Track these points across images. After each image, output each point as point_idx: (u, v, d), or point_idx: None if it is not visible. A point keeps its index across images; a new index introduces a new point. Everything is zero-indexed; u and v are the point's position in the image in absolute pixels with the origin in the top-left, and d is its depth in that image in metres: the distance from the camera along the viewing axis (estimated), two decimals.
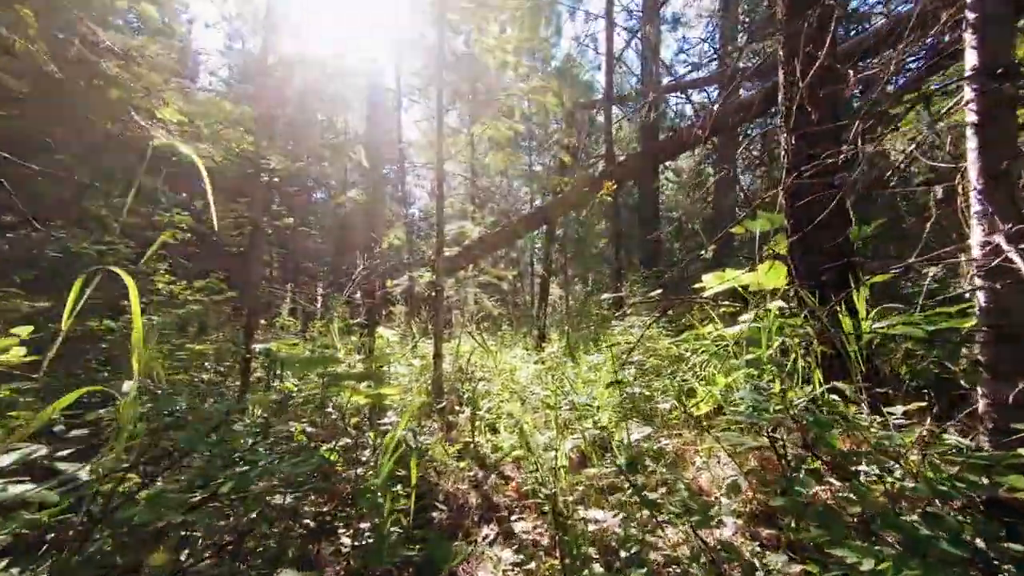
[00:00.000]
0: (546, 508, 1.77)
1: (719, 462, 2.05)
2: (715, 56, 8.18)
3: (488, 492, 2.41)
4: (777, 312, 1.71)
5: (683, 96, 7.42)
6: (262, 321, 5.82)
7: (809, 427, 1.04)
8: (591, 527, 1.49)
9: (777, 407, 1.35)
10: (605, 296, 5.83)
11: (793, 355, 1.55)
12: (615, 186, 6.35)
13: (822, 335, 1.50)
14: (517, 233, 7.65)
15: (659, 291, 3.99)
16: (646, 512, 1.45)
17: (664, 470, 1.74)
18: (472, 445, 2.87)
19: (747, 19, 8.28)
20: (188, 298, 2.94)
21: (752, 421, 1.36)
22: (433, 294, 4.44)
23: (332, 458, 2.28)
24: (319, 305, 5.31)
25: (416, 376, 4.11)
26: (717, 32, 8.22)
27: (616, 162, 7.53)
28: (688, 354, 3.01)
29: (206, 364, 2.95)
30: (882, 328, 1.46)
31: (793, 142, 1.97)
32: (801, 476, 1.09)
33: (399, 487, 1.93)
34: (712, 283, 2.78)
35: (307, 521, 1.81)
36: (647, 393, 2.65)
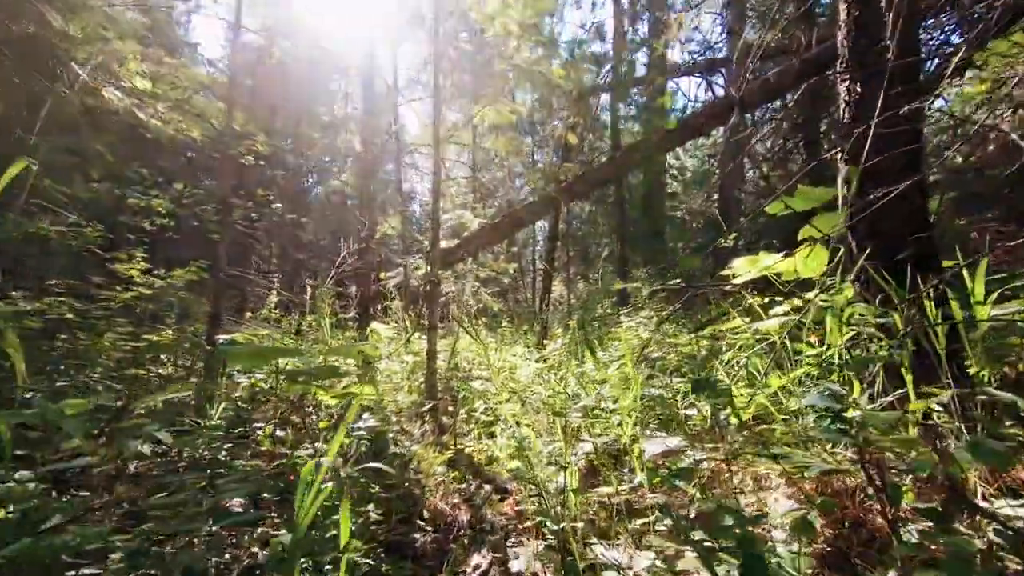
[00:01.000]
0: (550, 539, 1.44)
1: (759, 483, 1.70)
2: (727, 35, 7.81)
3: (481, 509, 2.07)
4: (847, 298, 1.35)
5: (699, 76, 7.06)
6: (248, 314, 5.49)
7: (972, 456, 0.69)
8: (608, 575, 1.14)
9: (867, 420, 1.00)
10: (615, 285, 5.47)
11: (876, 351, 1.21)
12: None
13: (911, 326, 1.16)
14: (519, 223, 7.28)
15: (676, 282, 3.64)
16: (682, 555, 1.10)
17: (698, 493, 1.39)
18: (464, 452, 2.54)
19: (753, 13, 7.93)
20: (138, 281, 2.61)
21: (831, 437, 1.02)
22: (428, 287, 4.09)
23: (297, 467, 1.95)
24: (308, 297, 4.98)
25: (408, 374, 3.80)
26: (729, 15, 7.86)
27: (622, 149, 7.18)
28: (706, 352, 2.66)
29: (162, 357, 2.62)
30: (1007, 315, 1.11)
31: (859, 89, 1.60)
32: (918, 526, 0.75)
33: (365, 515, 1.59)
34: (742, 269, 2.42)
35: (254, 549, 1.49)
36: (666, 396, 2.31)
